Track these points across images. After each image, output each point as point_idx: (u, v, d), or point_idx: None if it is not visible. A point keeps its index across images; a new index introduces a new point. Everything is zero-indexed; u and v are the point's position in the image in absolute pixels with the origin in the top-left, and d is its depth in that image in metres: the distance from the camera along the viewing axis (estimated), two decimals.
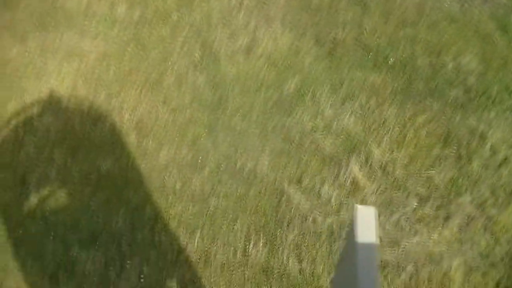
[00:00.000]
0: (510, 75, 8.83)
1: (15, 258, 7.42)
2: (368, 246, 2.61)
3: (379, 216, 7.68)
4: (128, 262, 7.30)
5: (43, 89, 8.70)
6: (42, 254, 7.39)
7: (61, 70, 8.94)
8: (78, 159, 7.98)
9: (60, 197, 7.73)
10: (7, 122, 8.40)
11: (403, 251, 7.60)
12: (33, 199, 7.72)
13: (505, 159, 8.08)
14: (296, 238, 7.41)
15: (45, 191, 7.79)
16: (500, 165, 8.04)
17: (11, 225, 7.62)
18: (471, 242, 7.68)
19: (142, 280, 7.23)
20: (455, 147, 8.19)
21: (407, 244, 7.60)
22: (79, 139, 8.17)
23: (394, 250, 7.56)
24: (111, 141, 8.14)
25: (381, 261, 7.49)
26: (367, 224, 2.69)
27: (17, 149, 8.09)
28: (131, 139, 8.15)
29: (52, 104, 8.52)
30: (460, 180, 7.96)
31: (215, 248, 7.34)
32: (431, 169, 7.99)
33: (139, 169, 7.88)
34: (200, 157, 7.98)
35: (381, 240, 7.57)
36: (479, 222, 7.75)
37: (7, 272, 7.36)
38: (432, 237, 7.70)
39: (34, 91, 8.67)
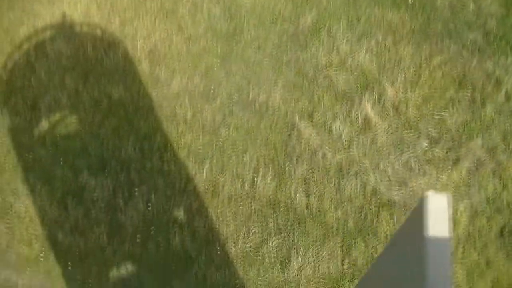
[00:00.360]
0: None
1: (24, 183, 7.46)
2: (441, 241, 2.28)
3: (388, 155, 7.63)
4: (136, 189, 7.33)
5: (55, 14, 8.52)
6: (51, 180, 7.42)
7: None
8: (90, 85, 7.89)
9: (71, 123, 7.70)
10: (18, 47, 8.28)
11: (411, 191, 7.57)
12: (44, 125, 7.70)
13: None
14: (305, 172, 7.39)
15: (55, 117, 7.76)
16: None
17: (21, 150, 7.63)
18: (478, 186, 7.64)
19: (149, 208, 7.27)
20: (470, 91, 8.04)
21: (415, 184, 7.57)
22: (91, 65, 8.06)
23: (402, 189, 7.54)
24: (123, 69, 8.03)
25: (388, 200, 7.49)
26: (439, 216, 2.30)
27: (28, 74, 8.01)
28: (144, 67, 8.02)
29: (64, 30, 8.37)
30: (473, 124, 7.86)
31: (223, 179, 7.34)
32: (444, 111, 7.87)
33: (150, 97, 7.80)
34: (212, 88, 7.88)
35: (389, 180, 7.55)
36: (488, 167, 7.69)
37: (17, 196, 7.42)
38: (440, 179, 7.65)
39: (47, 15, 8.50)
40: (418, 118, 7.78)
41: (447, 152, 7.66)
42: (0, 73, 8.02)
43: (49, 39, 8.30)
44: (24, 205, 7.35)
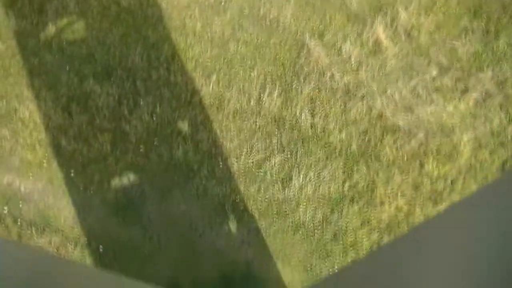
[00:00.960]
0: None
1: (29, 87, 7.30)
2: None
3: (397, 80, 7.48)
4: (141, 99, 7.21)
5: None
6: (56, 85, 7.27)
7: None
8: None
9: (78, 29, 7.48)
10: None
11: (416, 118, 7.45)
12: (50, 29, 7.47)
13: None
14: (312, 92, 7.24)
15: (62, 22, 7.52)
16: None
17: (26, 54, 7.44)
18: (484, 118, 7.49)
19: (154, 118, 7.15)
20: (484, 21, 7.76)
21: (421, 112, 7.44)
22: None
23: (408, 116, 7.41)
24: None
25: (393, 125, 7.39)
26: None
27: None
28: None
29: None
30: (484, 55, 7.64)
31: (229, 94, 7.19)
32: (457, 40, 7.64)
33: (160, 6, 7.51)
34: (223, 0, 7.61)
35: (396, 105, 7.43)
36: (496, 100, 7.52)
37: (21, 100, 7.28)
38: (447, 109, 7.51)
39: None
40: (430, 45, 7.55)
41: (456, 82, 7.49)
42: None
43: None
44: (28, 110, 7.23)
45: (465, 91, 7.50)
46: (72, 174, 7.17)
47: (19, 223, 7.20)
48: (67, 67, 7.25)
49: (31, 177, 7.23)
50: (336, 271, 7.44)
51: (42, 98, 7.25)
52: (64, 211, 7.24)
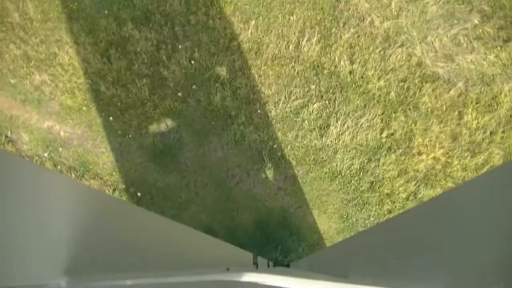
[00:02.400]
0: None
1: (68, 32, 7.17)
2: None
3: (437, 28, 7.20)
4: (179, 45, 7.05)
5: None
6: (95, 30, 7.12)
7: None
8: None
9: None
10: None
11: (456, 67, 7.18)
12: None
13: None
14: (351, 38, 6.99)
15: None
16: None
17: None
18: None
19: (192, 63, 7.00)
20: None
21: (461, 60, 7.16)
22: None
23: (448, 64, 7.14)
24: None
25: (432, 73, 7.14)
26: None
27: None
28: None
29: None
30: None
31: (268, 39, 6.97)
32: None
33: None
34: None
35: (436, 53, 7.16)
36: None
37: (61, 45, 7.17)
38: (488, 58, 7.22)
39: None
40: None
41: (498, 30, 7.17)
42: None
43: None
44: (67, 55, 7.13)
45: (508, 39, 7.19)
46: (110, 119, 7.09)
47: (58, 168, 7.17)
48: (106, 11, 7.10)
49: (70, 122, 7.17)
50: (372, 225, 7.29)
51: (81, 43, 7.13)
52: (102, 156, 7.18)
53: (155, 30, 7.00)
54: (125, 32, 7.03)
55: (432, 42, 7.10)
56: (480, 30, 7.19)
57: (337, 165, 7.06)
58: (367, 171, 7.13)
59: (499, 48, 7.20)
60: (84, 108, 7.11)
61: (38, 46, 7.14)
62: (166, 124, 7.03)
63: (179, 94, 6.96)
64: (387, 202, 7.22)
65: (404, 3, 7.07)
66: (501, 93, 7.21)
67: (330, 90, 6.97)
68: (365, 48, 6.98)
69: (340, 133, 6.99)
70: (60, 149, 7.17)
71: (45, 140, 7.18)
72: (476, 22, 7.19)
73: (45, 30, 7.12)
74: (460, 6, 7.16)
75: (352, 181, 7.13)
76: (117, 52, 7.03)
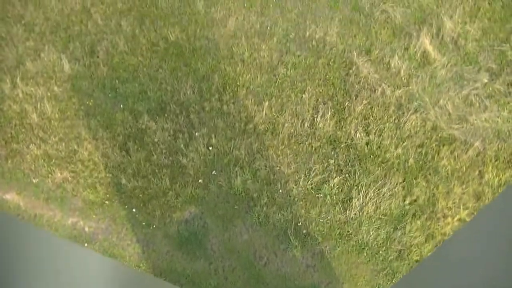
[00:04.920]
0: None
1: (86, 128, 7.10)
2: None
3: (448, 90, 7.04)
4: (196, 132, 6.92)
5: None
6: (112, 124, 7.03)
7: None
8: (146, 28, 7.37)
9: (129, 67, 7.27)
10: None
11: (471, 127, 6.98)
12: (102, 69, 7.28)
13: None
14: (364, 110, 6.83)
15: (114, 61, 7.34)
16: None
17: (81, 96, 7.24)
18: None
19: (210, 149, 6.85)
20: None
21: (476, 120, 6.97)
22: (146, 8, 7.54)
23: (463, 125, 6.94)
24: (178, 10, 7.48)
25: (448, 136, 6.94)
26: None
27: (85, 19, 7.58)
28: (199, 7, 7.45)
29: None
30: None
31: (283, 118, 6.82)
32: (505, 43, 7.16)
33: (206, 37, 7.22)
34: (269, 26, 7.26)
35: (449, 115, 6.98)
36: None
37: (80, 141, 7.06)
38: (502, 114, 7.02)
39: None
40: (478, 52, 7.11)
41: (508, 86, 7.01)
42: (58, 20, 7.64)
43: None
44: (87, 151, 7.01)
45: None
46: (134, 211, 6.90)
47: None
48: (121, 105, 7.02)
49: (94, 217, 6.98)
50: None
51: (99, 138, 7.02)
52: (128, 248, 6.96)
53: (171, 119, 6.89)
54: (141, 124, 6.92)
55: (445, 105, 6.94)
56: (491, 88, 7.03)
57: (363, 237, 6.79)
58: (394, 239, 6.84)
59: (511, 103, 7.02)
60: (106, 202, 6.94)
61: (57, 145, 7.04)
62: (190, 211, 6.83)
63: (200, 180, 6.78)
64: None
65: (413, 70, 6.95)
66: None
67: (349, 163, 6.77)
68: (379, 118, 6.81)
69: (363, 204, 6.75)
70: (86, 244, 6.96)
71: (70, 237, 6.98)
72: (486, 80, 7.04)
73: (64, 128, 7.04)
74: (468, 67, 7.03)
75: (380, 252, 6.84)
76: (135, 144, 6.91)
